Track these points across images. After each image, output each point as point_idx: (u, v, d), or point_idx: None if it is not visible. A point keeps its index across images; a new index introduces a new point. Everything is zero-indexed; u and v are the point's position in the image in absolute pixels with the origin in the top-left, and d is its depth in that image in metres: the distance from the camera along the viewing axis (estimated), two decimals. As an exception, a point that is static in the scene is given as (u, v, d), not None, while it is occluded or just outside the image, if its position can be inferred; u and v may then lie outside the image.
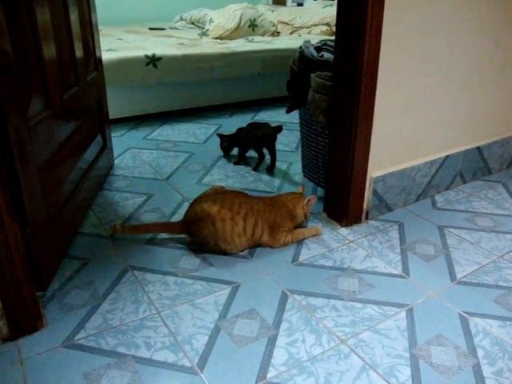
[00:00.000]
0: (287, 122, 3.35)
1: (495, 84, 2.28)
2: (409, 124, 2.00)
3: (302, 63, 2.12)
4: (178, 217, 2.03)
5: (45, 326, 1.41)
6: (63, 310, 1.48)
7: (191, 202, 1.82)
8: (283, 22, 4.65)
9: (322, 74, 1.97)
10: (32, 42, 1.47)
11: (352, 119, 1.78)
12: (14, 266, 1.27)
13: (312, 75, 2.02)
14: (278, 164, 2.62)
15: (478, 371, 1.27)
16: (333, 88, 1.86)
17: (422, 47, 1.87)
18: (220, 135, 2.73)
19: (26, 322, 1.36)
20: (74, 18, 1.89)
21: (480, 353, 1.33)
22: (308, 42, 2.17)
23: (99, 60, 2.37)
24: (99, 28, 2.42)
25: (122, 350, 1.33)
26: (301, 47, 2.14)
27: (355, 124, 1.78)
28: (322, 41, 2.19)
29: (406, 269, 1.71)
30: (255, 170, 2.57)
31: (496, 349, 1.35)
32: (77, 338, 1.37)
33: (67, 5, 1.80)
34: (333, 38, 1.89)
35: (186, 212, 1.80)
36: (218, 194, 1.78)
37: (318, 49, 2.12)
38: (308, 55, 2.06)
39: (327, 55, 2.01)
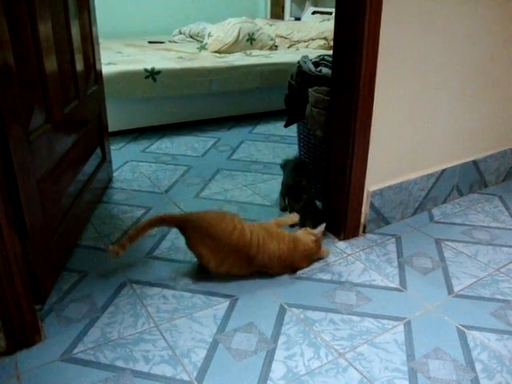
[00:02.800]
0: (286, 136, 3.38)
1: (491, 98, 2.31)
2: (406, 138, 2.02)
3: (300, 78, 2.14)
4: (176, 230, 2.02)
5: (43, 339, 1.41)
6: (61, 323, 1.48)
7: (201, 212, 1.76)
8: (281, 36, 4.70)
9: (319, 89, 1.99)
10: (34, 55, 1.49)
11: (349, 134, 1.80)
12: (12, 279, 1.27)
13: (310, 90, 2.04)
14: (276, 177, 2.64)
15: (475, 385, 1.27)
16: (330, 103, 1.88)
17: (418, 63, 1.90)
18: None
19: (24, 336, 1.36)
20: (75, 31, 1.91)
21: (478, 366, 1.33)
22: (306, 56, 2.19)
23: (99, 73, 2.38)
24: (99, 41, 2.45)
25: (120, 363, 1.32)
26: (299, 62, 2.17)
27: (352, 138, 1.80)
28: (319, 56, 2.21)
29: (403, 282, 1.72)
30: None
31: (494, 362, 1.35)
32: (75, 351, 1.37)
33: (69, 18, 1.82)
34: (330, 52, 1.91)
35: (193, 218, 1.71)
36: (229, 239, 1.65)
37: (316, 64, 2.14)
38: (306, 70, 2.09)
39: (325, 70, 2.03)
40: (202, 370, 1.30)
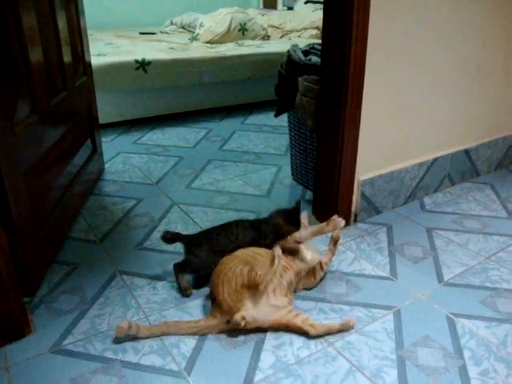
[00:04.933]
0: (278, 126, 3.37)
1: (483, 87, 2.30)
2: (396, 127, 2.01)
3: (289, 67, 2.13)
4: (167, 221, 2.03)
5: (32, 331, 1.40)
6: (51, 315, 1.48)
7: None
8: (273, 26, 4.67)
9: (309, 78, 1.98)
10: (18, 46, 1.47)
11: (339, 122, 1.79)
12: (-1, 272, 1.27)
13: (299, 79, 2.03)
14: (267, 167, 2.63)
15: (463, 372, 1.28)
16: (320, 91, 1.87)
17: (409, 51, 1.89)
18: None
19: (13, 328, 1.36)
20: (61, 22, 1.89)
21: (466, 354, 1.34)
22: (296, 45, 2.18)
23: (88, 64, 2.36)
24: (89, 33, 2.43)
25: (109, 354, 1.32)
26: (288, 51, 2.15)
27: (342, 127, 1.79)
28: (309, 44, 2.20)
29: (393, 271, 1.72)
30: None
31: (482, 349, 1.36)
32: (64, 343, 1.36)
33: (54, 9, 1.80)
34: (321, 41, 1.90)
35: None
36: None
37: (306, 52, 2.13)
38: (296, 59, 2.07)
39: (315, 59, 2.02)
40: (191, 361, 1.30)
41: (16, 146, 1.42)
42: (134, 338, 1.37)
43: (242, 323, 1.35)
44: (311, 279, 1.61)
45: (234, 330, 1.40)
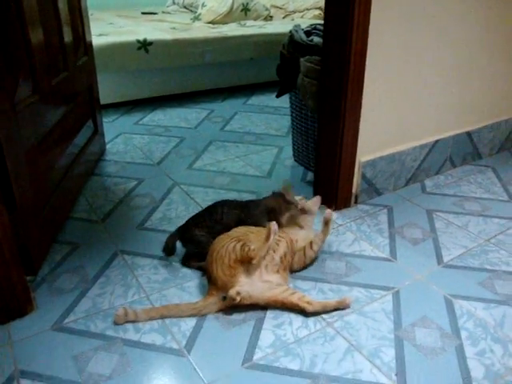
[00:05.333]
0: (279, 107, 3.35)
1: (485, 69, 2.28)
2: (398, 108, 2.01)
3: (291, 47, 2.11)
4: (168, 201, 2.04)
5: (35, 309, 1.42)
6: (53, 293, 1.49)
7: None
8: (276, 7, 4.62)
9: (311, 59, 1.96)
10: (18, 26, 1.46)
11: (340, 103, 1.79)
12: (2, 251, 1.28)
13: (301, 59, 2.02)
14: (268, 148, 2.63)
15: (460, 352, 1.29)
16: (322, 72, 1.86)
17: (411, 31, 1.87)
18: None
19: (16, 306, 1.38)
20: (61, 2, 1.87)
21: (463, 334, 1.35)
22: (298, 26, 2.16)
23: (89, 45, 2.35)
24: (90, 12, 2.41)
25: (110, 332, 1.34)
26: (291, 31, 2.13)
27: (343, 108, 1.79)
28: (311, 25, 2.18)
29: (393, 252, 1.73)
30: None
31: (479, 330, 1.37)
32: (66, 321, 1.38)
33: (54, -12, 1.79)
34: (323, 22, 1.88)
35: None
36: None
37: (308, 33, 2.11)
38: (297, 39, 2.06)
39: (316, 39, 2.00)
40: (191, 339, 1.32)
41: (17, 125, 1.42)
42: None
43: (238, 298, 1.36)
44: (302, 258, 1.61)
45: (232, 308, 1.41)
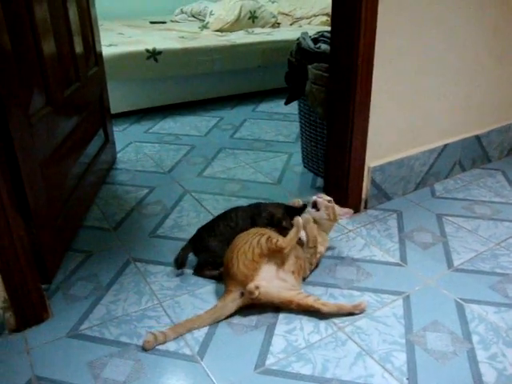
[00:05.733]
0: (288, 114, 3.37)
1: (493, 72, 2.29)
2: (406, 113, 2.02)
3: (299, 55, 2.13)
4: (179, 209, 2.06)
5: (50, 317, 1.45)
6: (68, 301, 1.52)
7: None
8: (283, 13, 4.65)
9: (318, 66, 1.98)
10: (31, 38, 1.49)
11: (349, 109, 1.80)
12: (18, 260, 1.31)
13: (309, 67, 2.04)
14: (278, 155, 2.65)
15: (472, 356, 1.30)
16: (329, 79, 1.88)
17: (418, 36, 1.88)
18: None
19: (32, 314, 1.40)
20: (72, 13, 1.91)
21: (475, 338, 1.36)
22: (305, 33, 2.18)
23: (100, 55, 2.39)
24: (100, 23, 2.45)
25: (124, 339, 1.36)
26: (298, 39, 2.16)
27: (352, 114, 1.80)
28: (319, 32, 2.20)
29: (403, 257, 1.73)
30: None
31: (491, 334, 1.37)
32: (81, 328, 1.41)
33: (66, 0, 1.82)
34: (330, 28, 1.90)
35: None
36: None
37: (315, 40, 2.13)
38: (305, 47, 2.08)
39: (324, 46, 2.03)
40: (204, 345, 1.34)
41: (31, 137, 1.45)
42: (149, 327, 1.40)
43: (256, 292, 1.38)
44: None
45: (249, 308, 1.43)
